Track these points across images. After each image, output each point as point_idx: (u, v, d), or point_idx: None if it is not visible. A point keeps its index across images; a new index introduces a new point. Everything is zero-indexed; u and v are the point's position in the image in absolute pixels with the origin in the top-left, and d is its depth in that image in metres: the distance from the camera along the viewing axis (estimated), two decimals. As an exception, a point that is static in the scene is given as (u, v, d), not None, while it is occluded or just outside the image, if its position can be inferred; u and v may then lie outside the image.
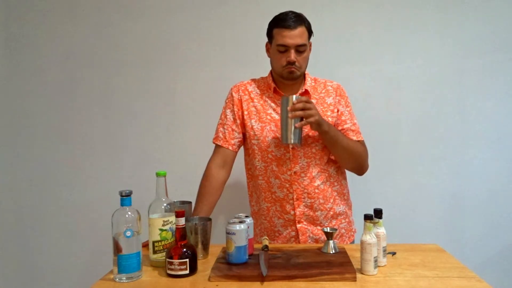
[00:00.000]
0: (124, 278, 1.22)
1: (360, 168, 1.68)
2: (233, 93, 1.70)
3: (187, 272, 1.23)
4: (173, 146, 2.31)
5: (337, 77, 2.23)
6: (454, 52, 2.22)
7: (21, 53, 2.34)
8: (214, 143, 1.71)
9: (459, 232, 2.24)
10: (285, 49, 1.55)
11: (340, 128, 1.65)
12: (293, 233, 1.63)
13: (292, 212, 1.62)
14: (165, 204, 1.35)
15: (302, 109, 1.45)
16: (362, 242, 1.23)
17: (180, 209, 1.26)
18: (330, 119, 1.63)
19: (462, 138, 2.23)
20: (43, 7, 2.33)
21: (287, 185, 1.61)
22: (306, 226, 1.62)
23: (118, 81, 2.32)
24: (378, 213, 1.31)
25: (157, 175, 1.35)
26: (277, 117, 1.63)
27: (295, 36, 1.53)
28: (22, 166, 2.37)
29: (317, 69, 2.23)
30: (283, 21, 1.55)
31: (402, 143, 2.25)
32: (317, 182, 1.62)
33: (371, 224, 1.25)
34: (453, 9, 2.21)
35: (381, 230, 1.30)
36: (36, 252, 2.38)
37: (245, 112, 1.66)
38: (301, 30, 1.55)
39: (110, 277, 1.25)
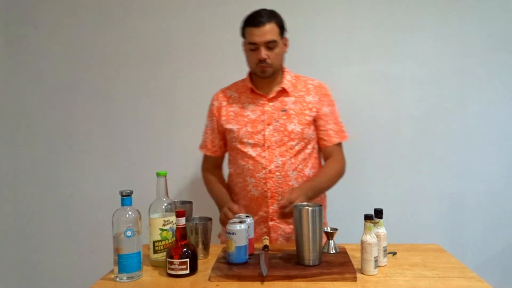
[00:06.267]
0: (125, 277, 1.22)
1: (341, 176, 1.75)
2: (213, 102, 1.75)
3: (187, 272, 1.24)
4: (173, 146, 2.31)
5: (337, 77, 2.24)
6: (454, 52, 2.22)
7: (21, 53, 2.34)
8: (199, 150, 1.81)
9: (459, 232, 2.24)
10: (255, 47, 1.58)
11: (322, 129, 1.68)
12: (265, 230, 1.65)
13: (265, 210, 1.63)
14: (165, 204, 1.35)
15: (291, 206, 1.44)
16: (362, 242, 1.23)
17: (181, 209, 1.26)
18: (308, 118, 1.65)
19: (462, 138, 2.23)
20: (43, 7, 2.32)
21: (262, 183, 1.62)
22: (278, 224, 1.64)
23: (118, 81, 2.32)
24: (378, 213, 1.31)
25: (158, 175, 1.35)
26: (254, 117, 1.65)
27: (263, 33, 1.55)
28: (22, 166, 2.37)
29: (317, 69, 2.23)
30: (252, 19, 1.59)
31: (402, 143, 2.25)
32: (292, 181, 1.63)
33: (372, 224, 1.25)
34: (453, 9, 2.21)
35: (382, 230, 1.30)
36: (36, 252, 2.37)
37: (223, 118, 1.70)
38: (270, 26, 1.56)
39: (110, 276, 1.26)
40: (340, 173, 1.71)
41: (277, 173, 1.61)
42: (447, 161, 2.24)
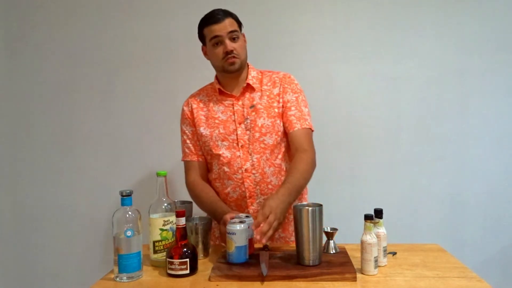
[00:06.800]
0: (125, 277, 1.22)
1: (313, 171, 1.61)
2: (184, 108, 1.72)
3: (187, 272, 1.23)
4: (173, 146, 2.30)
5: (337, 76, 2.25)
6: (455, 52, 2.22)
7: (21, 53, 2.34)
8: (184, 160, 1.71)
9: (459, 232, 2.24)
10: (219, 40, 1.57)
11: (285, 115, 1.62)
12: None
13: (246, 211, 1.60)
14: (165, 204, 1.35)
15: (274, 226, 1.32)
16: (362, 242, 1.23)
17: (181, 209, 1.26)
18: (276, 110, 1.62)
19: (462, 138, 2.23)
20: (43, 7, 2.33)
21: (239, 184, 1.59)
22: None
23: (118, 81, 2.32)
24: (378, 213, 1.31)
25: (158, 175, 1.35)
26: (224, 118, 1.63)
27: (224, 26, 1.56)
28: (22, 166, 2.37)
29: (317, 69, 2.24)
30: (209, 18, 1.58)
31: (402, 143, 2.25)
32: (270, 178, 1.60)
33: (372, 224, 1.25)
34: (453, 9, 2.21)
35: (382, 230, 1.30)
36: (36, 252, 2.37)
37: (195, 120, 1.67)
38: (228, 20, 1.57)
39: (110, 276, 1.26)
40: (311, 164, 1.57)
41: (254, 171, 1.58)
42: (447, 161, 2.24)
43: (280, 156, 1.63)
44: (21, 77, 2.35)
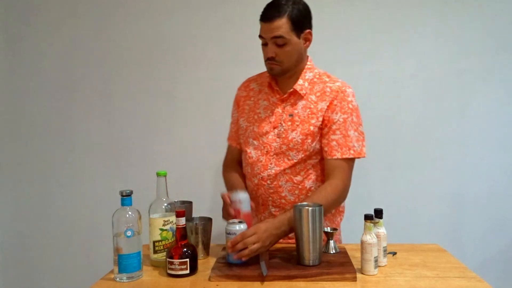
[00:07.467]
0: (125, 277, 1.22)
1: (339, 205, 1.55)
2: (238, 91, 1.68)
3: (187, 272, 1.23)
4: (173, 146, 2.30)
5: (337, 77, 2.24)
6: (454, 52, 2.22)
7: (22, 53, 2.34)
8: (227, 141, 1.73)
9: (459, 232, 2.24)
10: (265, 41, 1.46)
11: (326, 137, 1.48)
12: None
13: (258, 216, 1.58)
14: (165, 204, 1.35)
15: (253, 244, 1.26)
16: (362, 242, 1.23)
17: (181, 209, 1.26)
18: (312, 127, 1.47)
19: (462, 138, 2.23)
20: (43, 7, 2.32)
21: (255, 189, 1.55)
22: None
23: (118, 81, 2.32)
24: (378, 213, 1.31)
25: (158, 175, 1.35)
26: (263, 116, 1.55)
27: (270, 29, 1.42)
28: (22, 166, 2.37)
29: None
30: (264, 12, 1.45)
31: (402, 143, 2.25)
32: (285, 193, 1.51)
33: (372, 224, 1.25)
34: (453, 9, 2.21)
35: (382, 230, 1.30)
36: (36, 251, 2.37)
37: (240, 109, 1.64)
38: (279, 22, 1.40)
39: (110, 276, 1.26)
40: (333, 200, 1.44)
41: (268, 182, 1.51)
42: (447, 161, 2.24)
43: (302, 173, 1.51)
44: (21, 76, 2.35)
